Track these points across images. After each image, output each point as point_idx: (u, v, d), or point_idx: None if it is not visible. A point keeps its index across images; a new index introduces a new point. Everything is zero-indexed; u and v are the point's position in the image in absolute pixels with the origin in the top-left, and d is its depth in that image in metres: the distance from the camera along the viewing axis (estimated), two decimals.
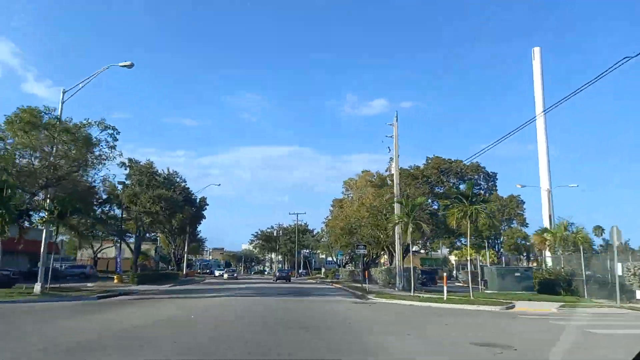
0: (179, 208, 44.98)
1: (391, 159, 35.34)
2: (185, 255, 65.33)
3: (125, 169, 45.72)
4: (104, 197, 46.79)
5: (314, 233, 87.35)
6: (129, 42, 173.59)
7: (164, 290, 33.78)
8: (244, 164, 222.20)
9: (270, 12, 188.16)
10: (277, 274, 62.06)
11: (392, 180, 37.44)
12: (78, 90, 26.76)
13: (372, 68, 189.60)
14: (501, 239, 71.67)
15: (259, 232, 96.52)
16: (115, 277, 43.36)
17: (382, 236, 41.16)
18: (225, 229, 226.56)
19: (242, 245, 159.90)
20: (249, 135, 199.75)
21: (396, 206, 32.50)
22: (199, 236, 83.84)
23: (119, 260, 50.32)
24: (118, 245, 52.74)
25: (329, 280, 58.73)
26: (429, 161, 51.28)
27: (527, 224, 70.48)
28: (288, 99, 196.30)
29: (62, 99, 26.52)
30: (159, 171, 47.98)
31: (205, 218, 78.85)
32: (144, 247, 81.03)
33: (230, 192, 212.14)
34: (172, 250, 65.49)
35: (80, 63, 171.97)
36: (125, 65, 27.23)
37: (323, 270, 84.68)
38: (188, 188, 52.44)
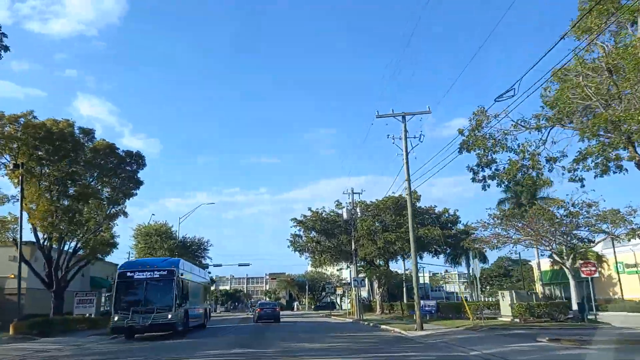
0: None
1: None
2: None
3: None
4: None
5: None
6: (207, 88, 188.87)
7: None
8: (325, 197, 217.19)
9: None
10: (258, 310, 36.82)
11: None
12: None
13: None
14: None
15: (307, 217, 42.38)
16: None
17: None
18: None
19: (307, 267, 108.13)
20: (326, 168, 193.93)
21: None
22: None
23: None
24: None
25: None
26: None
27: None
28: (362, 129, 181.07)
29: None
30: None
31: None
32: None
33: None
34: None
35: (167, 112, 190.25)
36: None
37: (507, 298, 28.26)
38: None
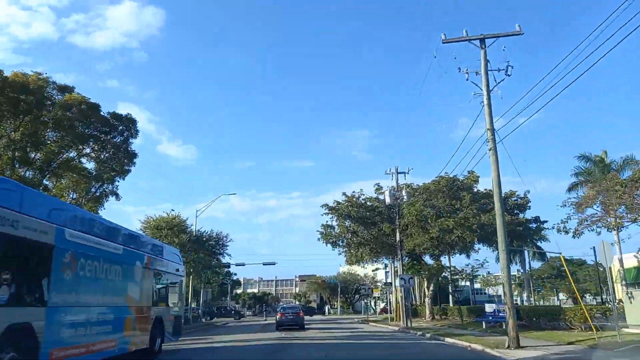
0: None
1: None
2: None
3: None
4: None
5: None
6: (244, 92, 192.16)
7: None
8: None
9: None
10: (279, 314, 31.62)
11: None
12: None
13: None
14: None
15: (340, 203, 35.20)
16: None
17: None
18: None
19: (340, 269, 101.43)
20: (360, 171, 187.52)
21: None
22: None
23: None
24: None
25: None
26: None
27: None
28: (395, 130, 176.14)
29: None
30: None
31: None
32: None
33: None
34: None
35: (203, 119, 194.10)
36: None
37: None
38: None
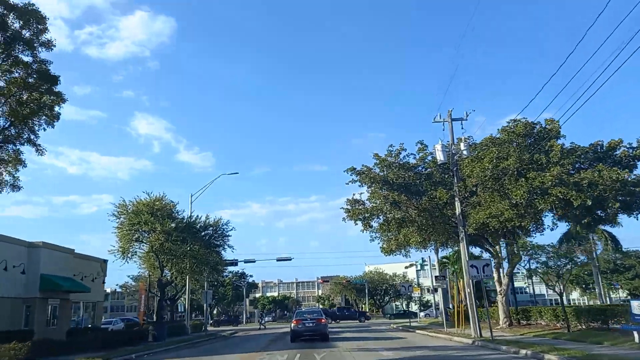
0: None
1: None
2: None
3: None
4: None
5: None
6: (261, 101, 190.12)
7: None
8: None
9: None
10: (295, 322, 24.03)
11: None
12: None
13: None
14: None
15: (369, 168, 25.31)
16: None
17: None
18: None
19: (365, 268, 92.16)
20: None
21: None
22: None
23: None
24: None
25: None
26: None
27: None
28: (410, 131, 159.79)
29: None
30: None
31: None
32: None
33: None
34: None
35: (211, 129, 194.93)
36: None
37: None
38: None
